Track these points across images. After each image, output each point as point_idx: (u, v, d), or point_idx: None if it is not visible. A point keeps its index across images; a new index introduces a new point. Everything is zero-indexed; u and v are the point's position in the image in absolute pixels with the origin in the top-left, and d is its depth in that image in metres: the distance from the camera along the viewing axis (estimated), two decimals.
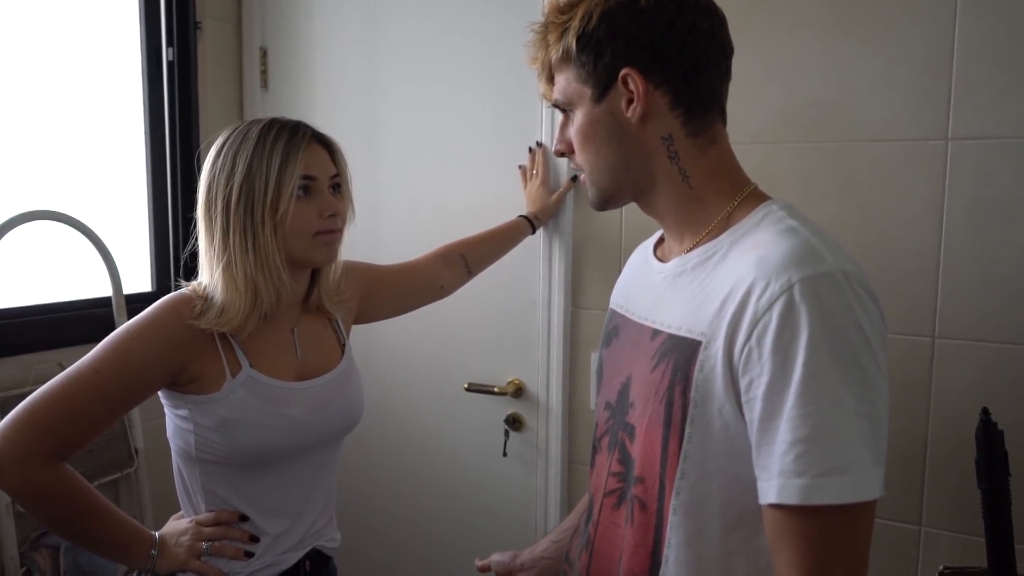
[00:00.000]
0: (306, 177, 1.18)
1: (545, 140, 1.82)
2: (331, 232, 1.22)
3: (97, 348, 1.14)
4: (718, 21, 0.94)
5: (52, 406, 1.10)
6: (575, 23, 0.92)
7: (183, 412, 1.19)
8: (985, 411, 1.30)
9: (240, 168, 1.16)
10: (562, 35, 0.94)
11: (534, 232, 1.78)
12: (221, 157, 1.18)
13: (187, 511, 1.26)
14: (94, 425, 1.14)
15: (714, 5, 0.94)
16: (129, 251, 2.00)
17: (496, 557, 1.25)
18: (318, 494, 1.30)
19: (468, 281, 1.69)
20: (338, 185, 1.25)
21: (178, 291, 1.21)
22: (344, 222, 1.25)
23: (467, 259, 1.66)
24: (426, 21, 1.97)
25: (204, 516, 1.22)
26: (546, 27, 0.97)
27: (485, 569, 1.26)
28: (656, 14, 0.90)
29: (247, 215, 1.15)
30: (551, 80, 1.00)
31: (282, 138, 1.17)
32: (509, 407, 1.93)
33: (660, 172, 0.95)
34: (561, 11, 0.95)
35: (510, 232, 1.75)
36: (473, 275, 1.70)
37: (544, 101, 1.03)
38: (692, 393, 0.86)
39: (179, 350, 1.15)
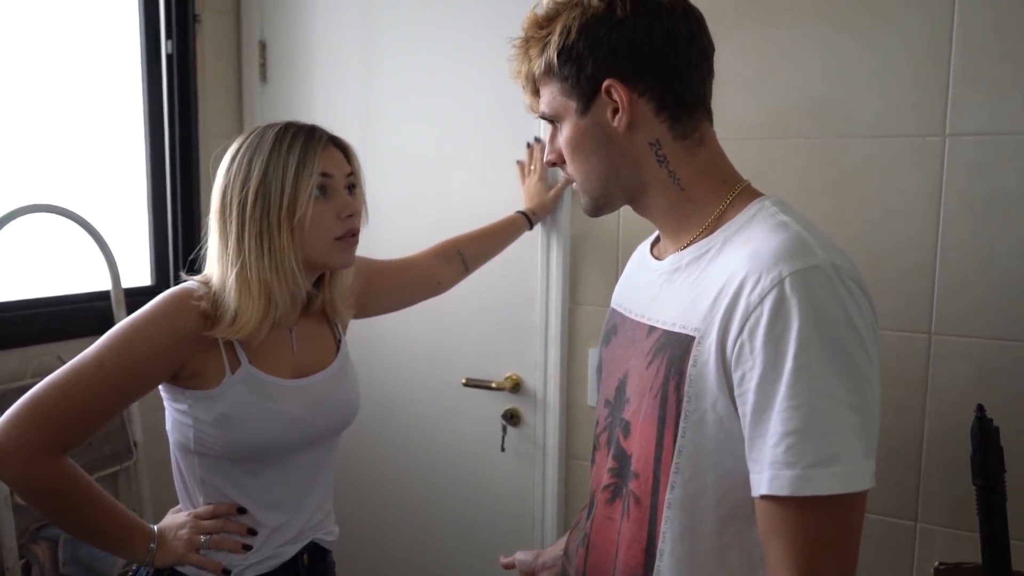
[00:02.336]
0: (323, 175, 1.18)
1: (543, 134, 1.82)
2: (352, 236, 1.22)
3: (100, 341, 1.13)
4: (696, 22, 0.94)
5: (55, 399, 1.10)
6: (555, 37, 0.93)
7: (182, 406, 1.19)
8: (980, 408, 1.30)
9: (256, 172, 1.16)
10: (543, 49, 0.95)
11: (531, 228, 1.78)
12: (236, 161, 1.18)
13: (185, 504, 1.27)
14: (97, 418, 1.14)
15: (690, 6, 0.95)
16: (128, 245, 2.00)
17: (520, 555, 1.26)
18: (316, 488, 1.31)
19: (465, 277, 1.70)
20: (353, 186, 1.25)
21: (182, 284, 1.20)
22: (360, 223, 1.25)
23: (464, 255, 1.67)
24: (424, 15, 1.96)
25: (202, 509, 1.22)
26: (526, 42, 0.98)
27: (510, 566, 1.27)
28: (634, 23, 0.90)
29: (263, 218, 1.15)
30: (536, 93, 1.00)
31: (299, 140, 1.18)
32: (507, 402, 1.94)
33: (650, 177, 0.95)
34: (540, 25, 0.96)
35: (508, 228, 1.75)
36: (470, 271, 1.70)
37: (531, 112, 1.04)
38: (686, 388, 0.87)
39: (183, 344, 1.15)
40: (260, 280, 1.16)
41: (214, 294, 1.18)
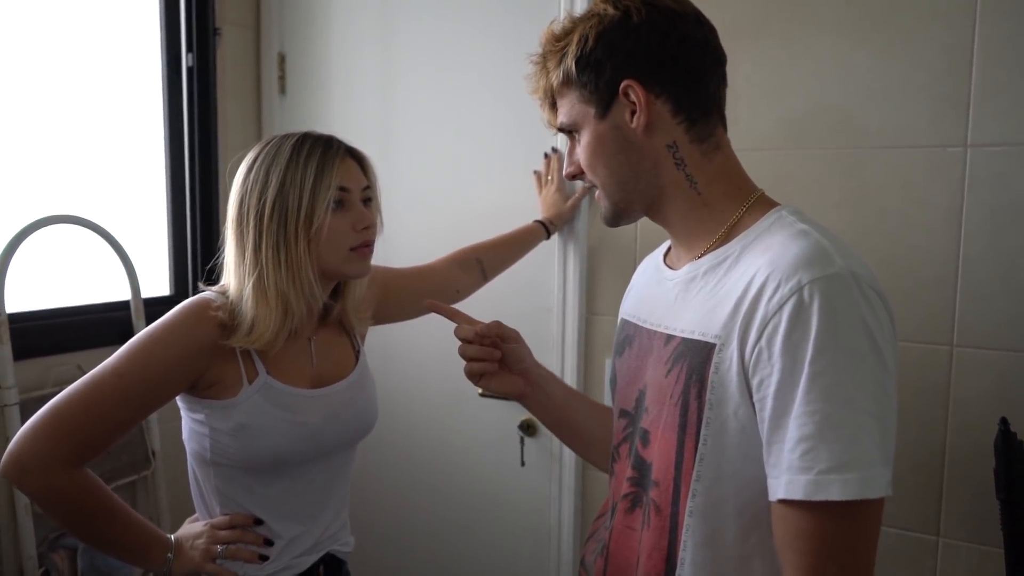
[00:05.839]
0: (341, 189, 1.19)
1: (560, 145, 1.82)
2: (366, 246, 1.23)
3: (119, 352, 1.14)
4: (709, 30, 0.97)
5: (75, 410, 1.10)
6: (572, 47, 0.95)
7: (199, 416, 1.19)
8: (1004, 421, 1.28)
9: (273, 182, 1.16)
10: (560, 60, 0.97)
11: (549, 237, 1.78)
12: (253, 172, 1.19)
13: (202, 514, 1.27)
14: (116, 429, 1.14)
15: (703, 16, 0.97)
16: (148, 255, 2.02)
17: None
18: (332, 499, 1.31)
19: (483, 285, 1.70)
20: (369, 199, 1.26)
21: (200, 295, 1.21)
22: (375, 234, 1.26)
23: (483, 263, 1.67)
24: (442, 25, 1.97)
25: (219, 519, 1.23)
26: (544, 56, 1.01)
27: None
28: (649, 28, 0.93)
29: (280, 229, 1.16)
30: (554, 106, 1.03)
31: (316, 152, 1.18)
32: (523, 413, 1.93)
33: (668, 180, 0.96)
34: (557, 39, 0.98)
35: (525, 236, 1.75)
36: (488, 279, 1.70)
37: (550, 127, 1.06)
38: (708, 395, 0.87)
39: (201, 354, 1.16)
40: (277, 290, 1.16)
41: (231, 304, 1.18)
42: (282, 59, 2.20)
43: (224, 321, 1.17)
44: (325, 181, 1.17)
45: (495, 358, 1.18)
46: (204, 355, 1.16)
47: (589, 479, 1.89)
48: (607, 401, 1.81)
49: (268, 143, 1.21)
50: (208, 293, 1.21)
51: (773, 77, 1.59)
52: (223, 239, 1.24)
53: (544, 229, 1.76)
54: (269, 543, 1.23)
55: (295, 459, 1.23)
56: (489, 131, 1.94)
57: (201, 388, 1.18)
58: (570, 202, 1.80)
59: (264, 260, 1.16)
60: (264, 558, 1.22)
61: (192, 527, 1.25)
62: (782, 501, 0.80)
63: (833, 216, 1.53)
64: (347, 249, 1.21)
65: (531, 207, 1.84)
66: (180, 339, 1.15)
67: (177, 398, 1.22)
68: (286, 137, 1.21)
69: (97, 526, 1.16)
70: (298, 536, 1.25)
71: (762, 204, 0.96)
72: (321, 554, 1.29)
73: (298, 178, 1.16)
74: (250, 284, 1.16)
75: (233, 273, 1.20)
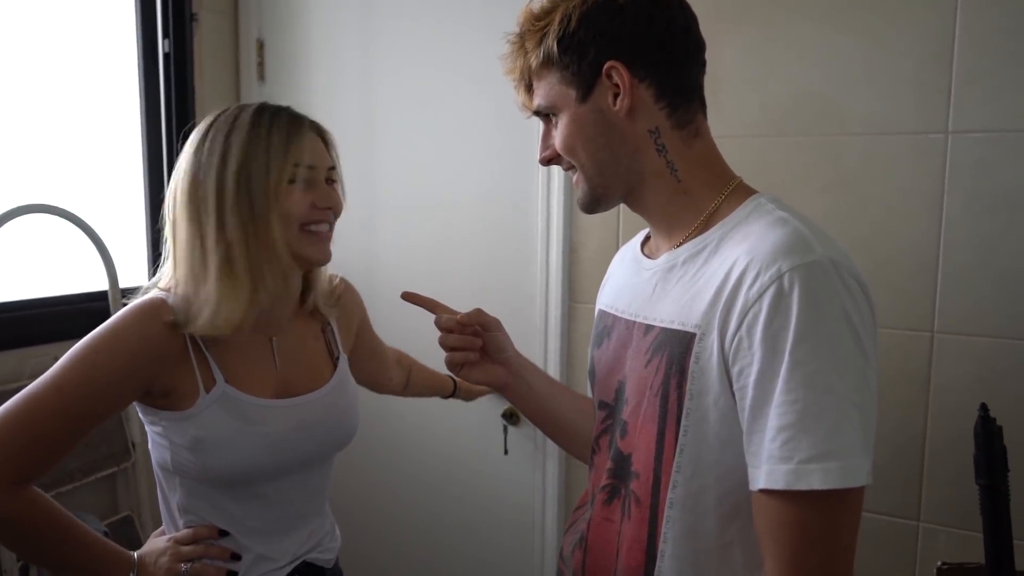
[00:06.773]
0: (309, 167, 1.11)
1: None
2: (317, 223, 1.14)
3: (59, 363, 1.05)
4: (691, 16, 0.96)
5: (14, 430, 1.01)
6: (554, 27, 0.93)
7: (157, 428, 1.12)
8: (984, 407, 1.29)
9: (234, 152, 1.07)
10: (540, 40, 0.95)
11: (449, 396, 1.67)
12: (208, 143, 1.09)
13: (168, 527, 1.20)
14: (61, 445, 1.05)
15: (685, 2, 0.96)
16: (125, 244, 1.99)
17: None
18: (307, 513, 1.23)
19: (397, 394, 1.60)
20: (334, 180, 1.17)
21: (145, 296, 1.12)
22: (336, 217, 1.18)
23: (411, 374, 1.58)
24: (423, 12, 1.96)
25: (182, 534, 1.14)
26: (523, 36, 0.98)
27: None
28: (635, 11, 0.91)
29: (245, 202, 1.07)
30: (529, 88, 1.00)
31: (281, 124, 1.10)
32: (506, 401, 1.92)
33: (649, 166, 0.95)
34: (537, 18, 0.96)
35: (437, 381, 1.64)
36: (403, 393, 1.60)
37: (524, 111, 1.03)
38: (688, 386, 0.87)
39: (150, 362, 1.07)
40: (248, 266, 1.08)
41: (185, 295, 1.09)
42: (261, 45, 2.17)
43: (176, 322, 1.08)
44: (291, 155, 1.09)
45: (476, 347, 1.17)
46: (154, 363, 1.07)
47: (573, 467, 1.89)
48: (588, 393, 1.81)
49: (220, 114, 1.12)
50: (158, 293, 1.12)
51: (756, 64, 1.59)
52: (168, 226, 1.14)
53: (452, 389, 1.65)
54: (236, 557, 1.15)
55: (263, 474, 1.15)
56: (472, 116, 1.92)
57: (156, 397, 1.10)
58: (479, 388, 1.67)
59: (231, 237, 1.08)
60: (232, 574, 1.15)
61: (156, 543, 1.16)
62: (763, 491, 0.80)
63: (816, 202, 1.53)
64: (298, 226, 1.11)
65: (510, 194, 1.83)
66: (126, 347, 1.06)
67: (138, 409, 1.14)
68: (243, 107, 1.12)
69: (51, 548, 1.06)
70: (269, 551, 1.18)
71: (740, 192, 0.95)
72: (296, 564, 1.20)
73: (261, 147, 1.08)
74: (214, 264, 1.08)
75: (185, 258, 1.10)
